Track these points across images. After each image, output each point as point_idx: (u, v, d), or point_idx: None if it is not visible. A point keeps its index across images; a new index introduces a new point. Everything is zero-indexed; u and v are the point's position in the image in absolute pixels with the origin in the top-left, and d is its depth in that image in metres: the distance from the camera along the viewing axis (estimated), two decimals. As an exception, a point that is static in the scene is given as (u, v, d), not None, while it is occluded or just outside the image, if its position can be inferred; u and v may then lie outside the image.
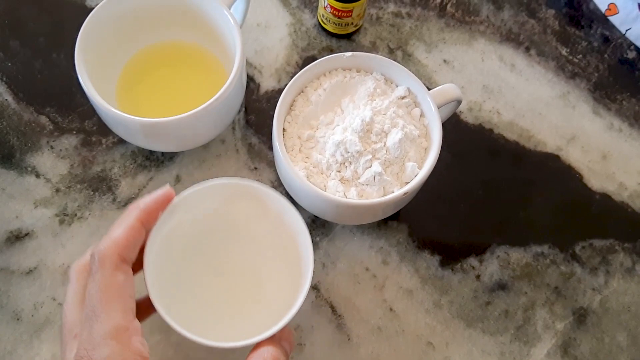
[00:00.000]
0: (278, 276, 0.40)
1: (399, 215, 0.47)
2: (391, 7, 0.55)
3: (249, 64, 0.52)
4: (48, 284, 0.43)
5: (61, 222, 0.45)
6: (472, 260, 0.46)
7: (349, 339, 0.43)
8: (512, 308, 0.45)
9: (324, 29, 0.53)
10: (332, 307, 0.44)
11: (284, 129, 0.42)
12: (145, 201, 0.33)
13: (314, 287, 0.44)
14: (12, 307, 0.43)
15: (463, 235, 0.47)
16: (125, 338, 0.29)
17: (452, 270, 0.46)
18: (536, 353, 0.44)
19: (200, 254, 0.40)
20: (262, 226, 0.40)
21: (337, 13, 0.50)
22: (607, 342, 0.44)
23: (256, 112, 0.50)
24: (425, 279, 0.45)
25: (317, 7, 0.54)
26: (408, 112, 0.43)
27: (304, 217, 0.37)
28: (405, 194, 0.40)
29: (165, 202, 0.34)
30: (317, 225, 0.46)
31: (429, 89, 0.42)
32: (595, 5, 0.57)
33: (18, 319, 0.42)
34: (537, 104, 0.52)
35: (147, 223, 0.33)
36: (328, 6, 0.50)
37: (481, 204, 0.48)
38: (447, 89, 0.43)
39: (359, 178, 0.40)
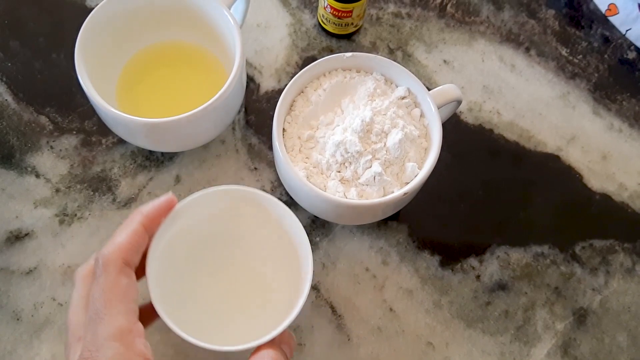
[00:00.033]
0: (278, 280, 0.40)
1: (399, 215, 0.47)
2: (391, 8, 0.55)
3: (249, 64, 0.52)
4: (48, 284, 0.43)
5: (61, 222, 0.45)
6: (472, 261, 0.46)
7: (349, 339, 0.43)
8: (512, 308, 0.45)
9: (324, 29, 0.53)
10: (332, 308, 0.44)
11: (284, 129, 0.42)
12: (148, 207, 0.34)
13: (314, 288, 0.44)
14: (12, 307, 0.43)
15: (463, 235, 0.47)
16: (128, 340, 0.29)
17: (452, 270, 0.46)
18: (536, 353, 0.44)
19: (201, 259, 0.40)
20: (262, 232, 0.40)
21: (337, 13, 0.50)
22: (607, 342, 0.44)
23: (256, 112, 0.50)
24: (425, 279, 0.45)
25: (317, 7, 0.54)
26: (408, 112, 0.43)
27: (304, 218, 0.37)
28: (405, 194, 0.40)
29: (167, 209, 0.35)
30: (317, 226, 0.46)
31: (429, 90, 0.42)
32: (595, 5, 0.57)
33: (18, 319, 0.42)
34: (537, 104, 0.52)
35: (150, 229, 0.34)
36: (328, 6, 0.50)
37: (481, 204, 0.48)
38: (447, 90, 0.43)
39: (359, 178, 0.40)
